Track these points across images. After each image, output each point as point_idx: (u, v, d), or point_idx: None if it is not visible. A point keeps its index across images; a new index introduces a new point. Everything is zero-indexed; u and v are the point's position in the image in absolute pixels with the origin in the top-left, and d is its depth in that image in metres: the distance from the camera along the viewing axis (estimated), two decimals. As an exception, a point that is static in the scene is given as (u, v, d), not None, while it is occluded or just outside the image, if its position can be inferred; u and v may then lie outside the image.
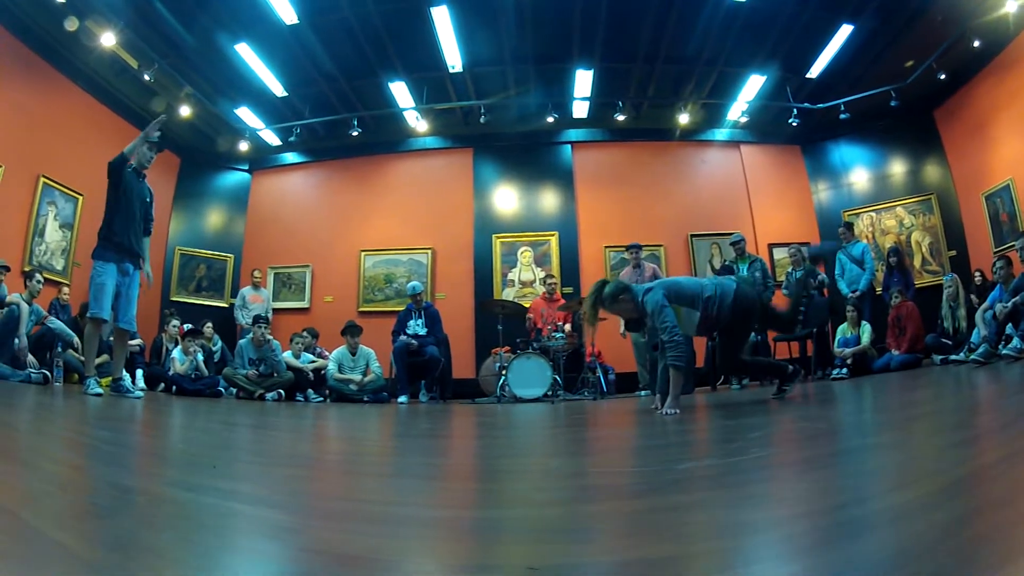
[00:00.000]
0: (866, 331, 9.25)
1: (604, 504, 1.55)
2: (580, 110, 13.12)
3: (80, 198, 10.22)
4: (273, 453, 3.02)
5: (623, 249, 11.88)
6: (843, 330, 9.42)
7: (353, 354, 9.65)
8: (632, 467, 2.29)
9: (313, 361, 9.81)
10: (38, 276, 8.24)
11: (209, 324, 10.62)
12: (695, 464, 2.12)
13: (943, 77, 10.80)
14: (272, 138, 13.61)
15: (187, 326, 9.77)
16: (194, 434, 3.85)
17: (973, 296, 9.18)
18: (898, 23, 10.20)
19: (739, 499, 1.49)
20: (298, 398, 9.26)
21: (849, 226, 10.72)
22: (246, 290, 12.31)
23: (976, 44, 10.09)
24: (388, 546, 1.17)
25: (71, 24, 9.18)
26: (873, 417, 3.61)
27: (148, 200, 6.75)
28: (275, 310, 12.71)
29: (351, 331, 9.72)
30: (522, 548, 1.17)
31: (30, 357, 7.37)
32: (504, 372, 8.92)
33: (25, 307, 7.57)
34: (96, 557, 1.04)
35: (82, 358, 7.12)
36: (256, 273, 12.54)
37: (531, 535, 1.28)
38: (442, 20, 10.03)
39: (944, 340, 8.81)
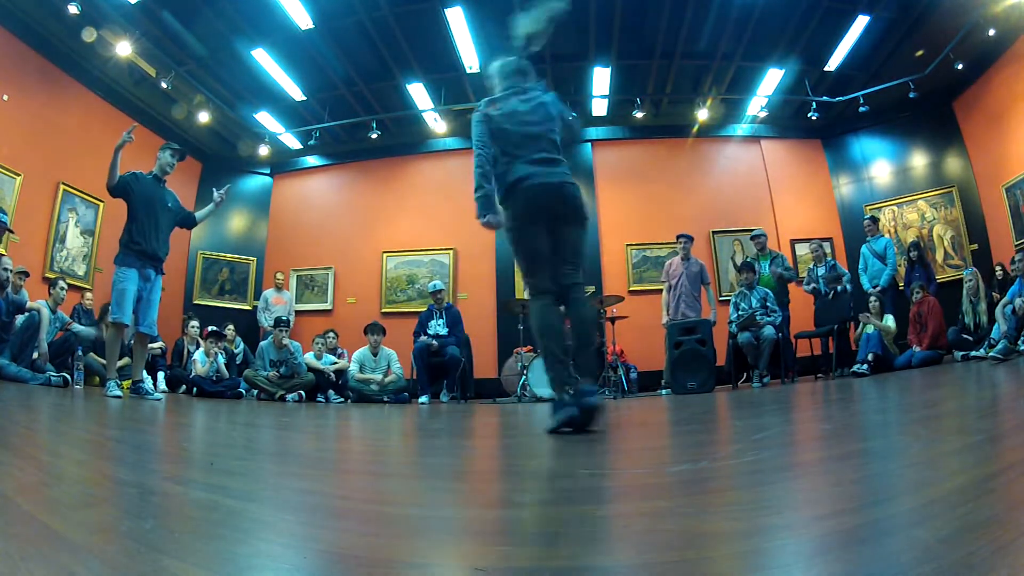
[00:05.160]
0: (890, 320, 9.20)
1: (589, 508, 1.54)
2: (599, 108, 13.11)
3: (101, 204, 10.34)
4: (276, 452, 3.05)
5: (647, 247, 11.90)
6: (866, 327, 9.34)
7: (375, 354, 9.70)
8: (622, 469, 2.28)
9: (334, 363, 9.85)
10: (62, 283, 8.37)
11: (231, 327, 10.71)
12: (687, 467, 2.10)
13: (960, 67, 10.68)
14: (292, 142, 13.71)
15: (210, 328, 9.85)
16: (205, 434, 3.89)
17: (995, 293, 9.05)
18: (914, 13, 10.10)
19: (715, 507, 1.48)
20: (319, 399, 9.32)
21: (874, 220, 10.61)
22: (269, 292, 12.44)
23: (991, 33, 9.99)
24: (382, 545, 1.19)
25: (89, 35, 9.31)
26: (883, 418, 3.57)
27: (170, 205, 6.83)
28: (298, 312, 12.80)
29: (373, 330, 9.77)
30: (505, 550, 1.17)
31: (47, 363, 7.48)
32: (525, 372, 8.91)
33: (47, 312, 7.68)
34: (79, 540, 1.09)
35: (103, 360, 7.26)
36: (279, 275, 12.67)
37: (516, 537, 1.29)
38: (457, 21, 10.07)
39: (965, 336, 8.71)
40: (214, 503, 1.50)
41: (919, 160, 12.37)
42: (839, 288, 9.63)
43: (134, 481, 1.79)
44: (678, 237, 10.04)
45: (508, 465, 2.59)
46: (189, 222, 7.19)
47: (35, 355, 7.45)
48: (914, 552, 0.95)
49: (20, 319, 7.46)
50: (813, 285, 9.95)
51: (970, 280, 9.04)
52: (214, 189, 7.10)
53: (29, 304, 7.63)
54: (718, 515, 1.36)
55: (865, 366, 8.69)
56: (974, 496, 1.29)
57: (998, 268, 9.61)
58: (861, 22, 10.22)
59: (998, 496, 1.28)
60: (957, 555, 0.91)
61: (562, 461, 2.53)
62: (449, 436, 4.02)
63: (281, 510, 1.54)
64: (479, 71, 11.55)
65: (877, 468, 1.87)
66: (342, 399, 9.43)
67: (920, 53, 10.81)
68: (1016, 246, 9.86)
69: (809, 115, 12.18)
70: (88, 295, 9.44)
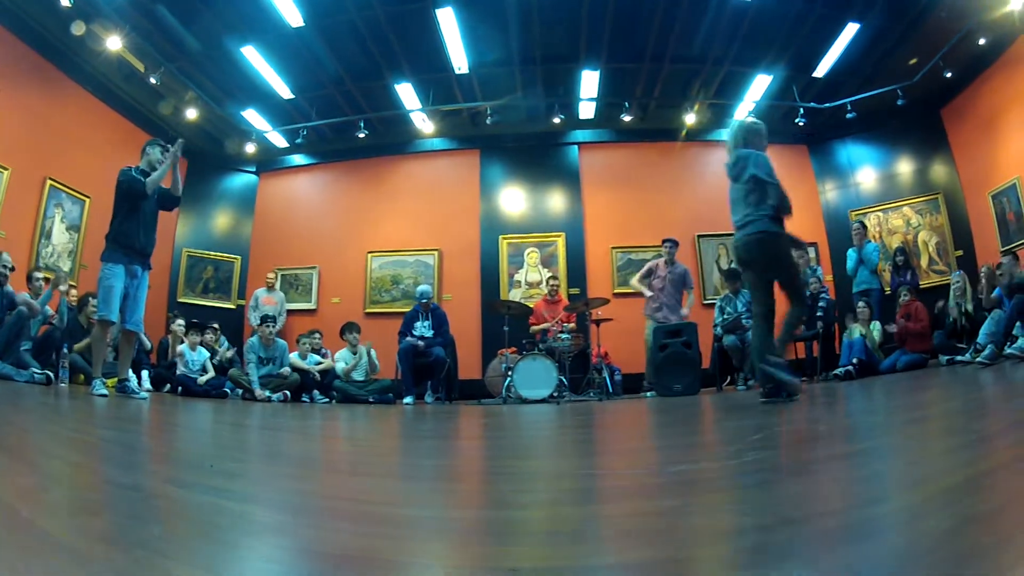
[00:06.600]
0: (876, 329, 9.24)
1: (589, 507, 1.55)
2: (587, 111, 13.13)
3: (87, 200, 10.27)
4: (272, 453, 3.03)
5: (632, 249, 11.95)
6: (851, 331, 9.38)
7: (354, 352, 9.71)
8: (625, 470, 2.28)
9: (319, 363, 9.83)
10: (36, 274, 8.33)
11: (216, 325, 10.66)
12: (689, 467, 2.11)
13: (949, 75, 10.78)
14: (279, 140, 13.64)
15: (192, 320, 9.85)
16: (198, 435, 3.87)
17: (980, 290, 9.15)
18: (905, 21, 10.17)
19: (727, 504, 1.49)
20: (304, 399, 9.29)
21: (863, 225, 10.73)
22: (260, 292, 12.40)
23: (982, 42, 10.06)
24: (382, 546, 1.17)
25: (78, 28, 9.22)
26: (875, 420, 3.59)
27: (155, 196, 6.75)
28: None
29: (350, 328, 9.82)
30: (504, 549, 1.17)
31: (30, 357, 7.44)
32: (510, 373, 8.91)
33: (36, 305, 7.66)
34: (85, 549, 1.05)
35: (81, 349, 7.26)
36: (270, 276, 12.65)
37: (514, 537, 1.28)
38: (447, 21, 10.03)
39: (950, 340, 8.78)
40: (219, 507, 1.48)
41: (905, 167, 12.46)
42: (820, 303, 9.65)
43: (134, 484, 1.76)
44: (664, 242, 10.09)
45: (506, 466, 2.58)
46: (170, 200, 6.96)
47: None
48: (914, 548, 0.97)
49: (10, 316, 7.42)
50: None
51: (957, 282, 9.11)
52: (169, 146, 6.89)
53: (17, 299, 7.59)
54: (727, 513, 1.38)
55: (849, 368, 8.71)
56: (970, 492, 1.32)
57: (983, 270, 9.70)
58: (851, 29, 10.26)
59: (995, 492, 1.31)
60: (958, 550, 0.93)
61: (562, 462, 2.53)
62: (442, 438, 4.02)
63: (287, 513, 1.51)
64: (468, 72, 11.58)
65: (877, 467, 1.90)
66: (327, 399, 9.40)
67: (914, 61, 10.88)
68: (1002, 252, 9.94)
69: (796, 121, 12.23)
70: (73, 292, 9.34)
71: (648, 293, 9.83)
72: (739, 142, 5.56)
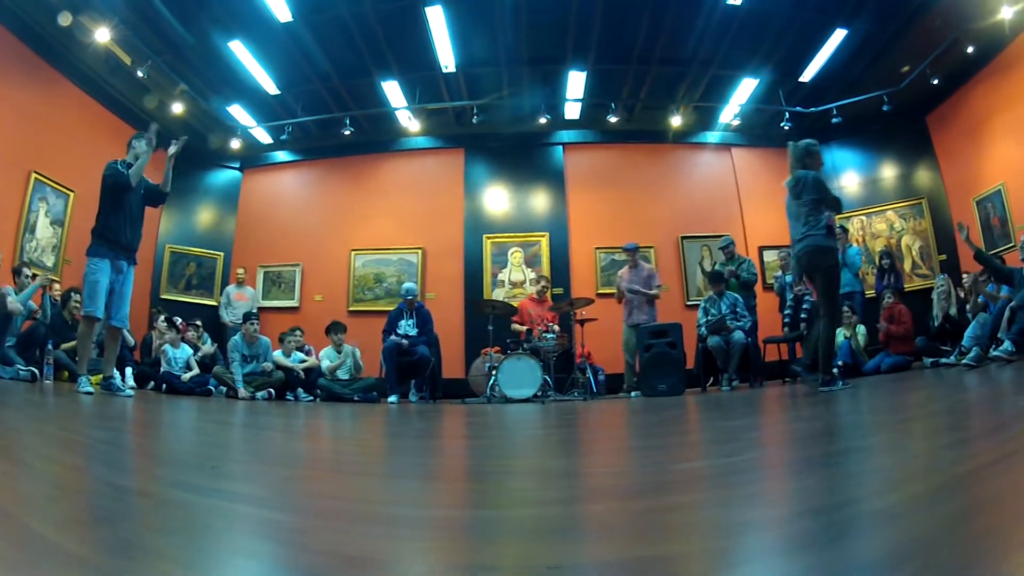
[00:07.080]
0: (861, 333, 9.31)
1: (603, 504, 1.56)
2: (572, 111, 13.13)
3: (71, 195, 10.14)
4: (271, 453, 3.01)
5: (615, 250, 11.99)
6: (836, 334, 9.44)
7: (339, 352, 9.69)
8: (629, 468, 2.29)
9: (303, 360, 9.79)
10: (26, 271, 8.20)
11: (198, 322, 10.60)
12: (693, 465, 2.13)
13: (936, 82, 10.89)
14: (264, 136, 13.55)
15: (176, 319, 9.78)
16: (192, 435, 3.83)
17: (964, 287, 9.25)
18: (892, 28, 10.25)
19: (738, 499, 1.50)
20: (288, 397, 9.25)
21: (844, 229, 10.79)
22: (231, 288, 12.36)
23: (970, 50, 10.18)
24: (389, 547, 1.17)
25: (65, 19, 9.11)
26: (867, 419, 3.63)
27: (142, 191, 6.71)
28: (265, 309, 12.66)
29: (335, 329, 9.80)
30: (524, 548, 1.17)
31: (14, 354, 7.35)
32: (494, 372, 8.91)
33: (18, 304, 7.57)
34: (102, 562, 1.02)
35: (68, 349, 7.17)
36: (240, 271, 12.55)
37: (533, 535, 1.28)
38: (436, 20, 10.00)
39: (934, 343, 8.86)
40: (236, 512, 1.45)
41: (889, 172, 12.61)
42: (805, 305, 9.71)
43: (141, 489, 1.73)
44: (624, 248, 10.24)
45: (498, 465, 2.58)
46: (157, 196, 6.92)
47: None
48: (910, 542, 0.99)
49: None
50: (790, 308, 10.02)
51: (942, 286, 9.23)
52: (172, 140, 6.90)
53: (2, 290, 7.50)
54: (742, 507, 1.40)
55: (834, 370, 8.77)
56: (965, 487, 1.36)
57: (965, 276, 9.79)
58: (839, 35, 10.35)
59: (984, 488, 1.34)
60: (953, 545, 0.95)
61: (562, 461, 2.54)
62: (439, 438, 4.02)
63: (307, 517, 1.49)
64: (455, 71, 11.56)
65: (873, 464, 1.92)
66: (312, 397, 9.36)
67: (906, 68, 10.97)
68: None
69: (781, 124, 12.31)
70: (56, 287, 9.24)
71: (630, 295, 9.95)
72: (799, 163, 6.36)
